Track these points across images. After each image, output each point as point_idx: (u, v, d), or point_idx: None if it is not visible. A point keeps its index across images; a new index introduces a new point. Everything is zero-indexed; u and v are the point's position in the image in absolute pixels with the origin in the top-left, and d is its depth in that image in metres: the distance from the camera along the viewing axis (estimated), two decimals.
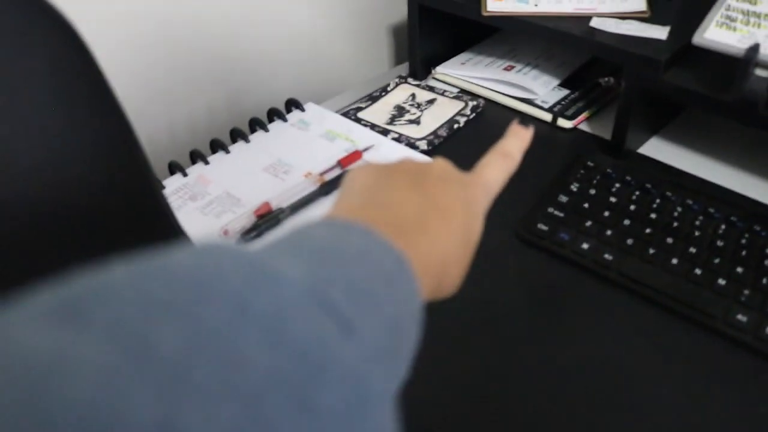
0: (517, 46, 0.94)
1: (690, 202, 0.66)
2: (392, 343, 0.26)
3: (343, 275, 0.25)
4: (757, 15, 0.63)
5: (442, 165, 0.41)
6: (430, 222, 0.34)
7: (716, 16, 0.64)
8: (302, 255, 0.25)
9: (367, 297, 0.25)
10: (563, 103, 0.84)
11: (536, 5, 0.78)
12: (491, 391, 0.52)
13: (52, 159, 0.34)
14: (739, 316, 0.56)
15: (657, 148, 0.78)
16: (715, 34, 0.63)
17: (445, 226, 0.35)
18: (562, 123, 0.81)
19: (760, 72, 0.61)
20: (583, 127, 0.83)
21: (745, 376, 0.53)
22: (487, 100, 0.88)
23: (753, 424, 0.49)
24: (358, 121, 0.84)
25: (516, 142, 0.46)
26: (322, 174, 0.72)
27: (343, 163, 0.73)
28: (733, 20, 0.63)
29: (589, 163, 0.72)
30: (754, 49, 0.60)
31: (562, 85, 0.88)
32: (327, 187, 0.70)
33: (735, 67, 0.61)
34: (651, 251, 0.62)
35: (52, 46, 0.34)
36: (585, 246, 0.63)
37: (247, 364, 0.19)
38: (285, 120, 0.83)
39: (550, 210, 0.67)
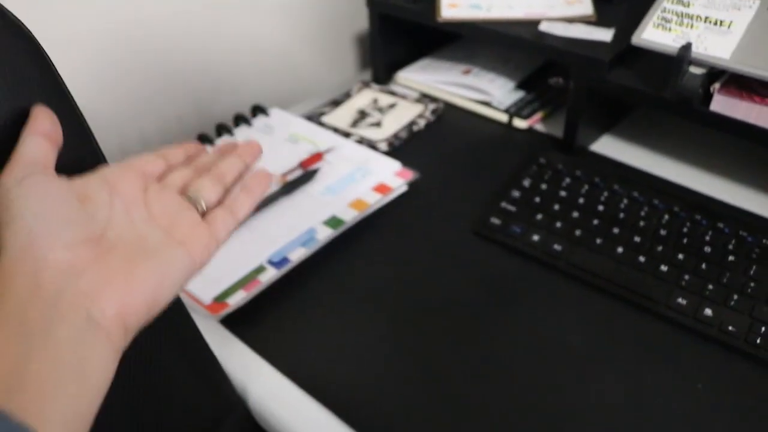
0: (476, 50, 0.98)
1: (636, 194, 0.70)
2: None
3: None
4: (690, 16, 0.66)
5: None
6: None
7: (653, 17, 0.68)
8: None
9: None
10: (519, 104, 0.87)
11: (489, 11, 0.81)
12: (443, 375, 0.55)
13: None
14: (680, 300, 0.59)
15: (608, 146, 0.81)
16: (652, 34, 0.67)
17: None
18: (518, 123, 0.85)
19: (693, 70, 0.65)
20: (539, 126, 0.86)
21: (684, 356, 0.56)
22: (447, 103, 0.91)
23: (692, 399, 0.52)
24: (321, 125, 0.86)
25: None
26: (284, 175, 0.75)
27: (304, 164, 0.76)
28: (668, 21, 0.67)
29: (542, 161, 0.75)
30: (687, 47, 0.63)
31: (519, 87, 0.91)
32: (289, 187, 0.72)
33: (671, 65, 0.65)
34: (598, 241, 0.65)
35: (14, 62, 0.36)
36: (535, 238, 0.66)
37: None
38: (250, 125, 0.85)
39: (503, 205, 0.70)
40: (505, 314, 0.60)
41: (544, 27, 0.78)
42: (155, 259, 0.36)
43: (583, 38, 0.75)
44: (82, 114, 0.42)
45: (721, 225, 0.65)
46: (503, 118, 0.86)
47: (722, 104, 0.65)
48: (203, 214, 0.41)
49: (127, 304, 0.33)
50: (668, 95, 0.66)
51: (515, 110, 0.86)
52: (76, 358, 0.30)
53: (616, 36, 0.75)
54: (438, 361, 0.56)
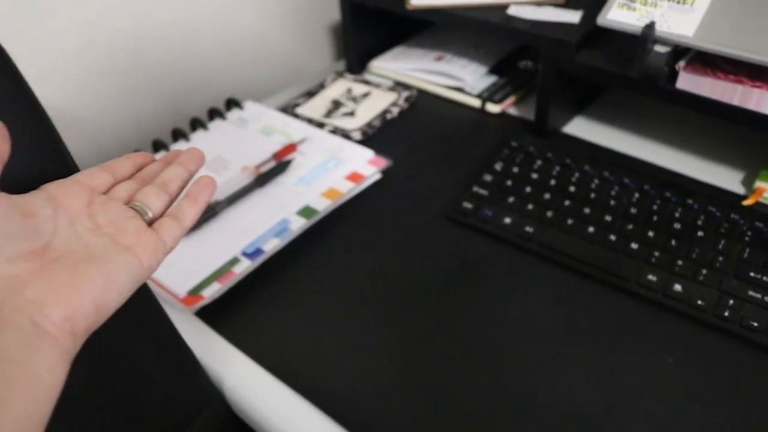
0: (448, 37, 0.98)
1: (607, 174, 0.70)
2: None
3: None
4: None
5: None
6: None
7: None
8: None
9: None
10: (491, 89, 0.87)
11: None
12: (419, 360, 0.56)
13: None
14: (650, 276, 0.60)
15: (581, 127, 0.82)
16: (617, 14, 0.67)
17: None
18: (490, 108, 0.85)
19: (658, 48, 0.65)
20: (513, 110, 0.86)
21: (655, 331, 0.57)
22: (420, 91, 0.91)
23: (662, 373, 0.53)
24: (296, 116, 0.86)
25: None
26: (257, 166, 0.75)
27: (278, 155, 0.76)
28: (633, 1, 0.67)
29: (513, 144, 0.76)
30: (650, 26, 0.64)
31: (492, 72, 0.91)
32: (262, 179, 0.72)
33: (635, 44, 0.65)
34: (569, 222, 0.66)
35: None
36: (507, 221, 0.67)
37: None
38: (224, 118, 0.85)
39: (475, 189, 0.71)
40: (479, 297, 0.61)
41: (512, 11, 0.78)
42: (101, 264, 0.36)
43: (550, 20, 0.75)
44: (53, 126, 0.42)
45: (690, 201, 0.66)
46: (476, 103, 0.86)
47: (687, 82, 0.65)
48: (150, 224, 0.41)
49: (73, 309, 0.34)
50: (634, 74, 0.67)
51: (488, 95, 0.86)
52: (23, 362, 0.31)
53: (584, 18, 0.75)
54: (413, 346, 0.57)
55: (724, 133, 0.78)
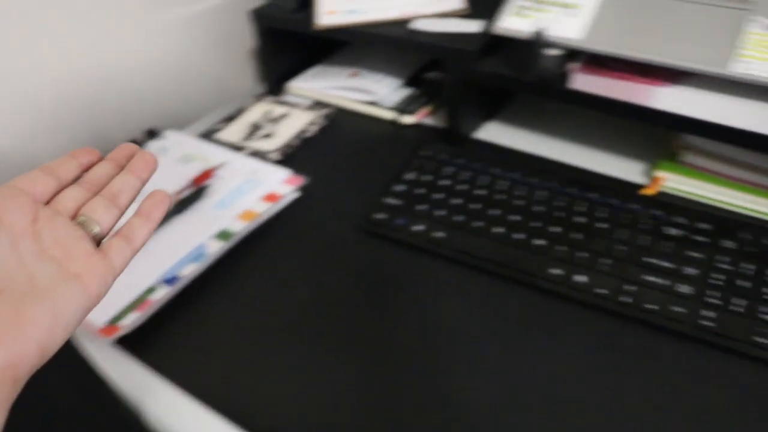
0: (363, 54, 1.00)
1: (515, 176, 0.73)
2: None
3: None
4: (544, 2, 0.70)
5: None
6: None
7: (511, 6, 0.71)
8: None
9: None
10: (407, 101, 0.90)
11: (365, 14, 0.84)
12: (342, 376, 0.57)
13: None
14: (554, 270, 0.62)
15: (492, 132, 0.84)
16: (510, 22, 0.70)
17: None
18: (405, 119, 0.87)
19: (551, 52, 0.68)
20: (429, 121, 0.89)
21: (563, 322, 0.59)
22: (338, 108, 0.93)
23: (572, 362, 0.55)
24: (216, 141, 0.87)
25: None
26: (177, 193, 0.75)
27: (196, 181, 0.77)
28: (525, 8, 0.70)
29: (425, 153, 0.78)
30: (540, 32, 0.66)
31: (409, 84, 0.93)
32: (180, 206, 0.73)
33: (527, 49, 0.68)
34: (478, 224, 0.68)
35: None
36: (418, 228, 0.68)
37: None
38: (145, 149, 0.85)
39: (387, 200, 0.72)
40: (397, 306, 0.62)
41: (416, 24, 0.81)
42: (47, 299, 0.33)
43: (452, 31, 0.78)
44: None
45: (592, 195, 0.68)
46: (391, 115, 0.88)
47: (581, 82, 0.68)
48: (98, 241, 0.39)
49: (17, 355, 0.31)
50: (529, 78, 0.69)
51: (403, 107, 0.88)
52: None
53: (485, 27, 0.78)
54: (336, 362, 0.58)
55: (626, 128, 0.81)
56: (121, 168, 0.44)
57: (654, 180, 0.71)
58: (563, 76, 0.68)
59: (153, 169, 0.44)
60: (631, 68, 0.67)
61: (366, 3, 0.84)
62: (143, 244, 0.41)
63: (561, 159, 0.78)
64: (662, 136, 0.75)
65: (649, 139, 0.78)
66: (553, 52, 0.68)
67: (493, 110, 0.87)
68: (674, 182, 0.71)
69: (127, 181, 0.42)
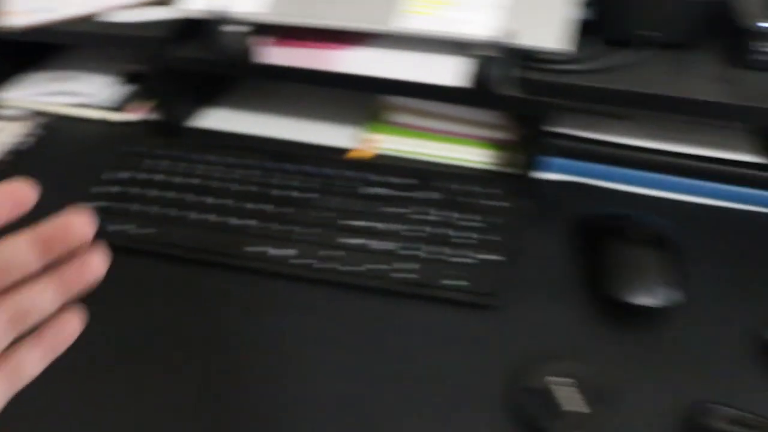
0: (76, 55, 0.93)
1: (231, 160, 0.71)
2: None
3: None
4: None
5: None
6: None
7: None
8: None
9: None
10: (126, 98, 0.85)
11: (52, 12, 0.78)
12: (157, 411, 0.52)
13: None
14: (271, 250, 0.61)
15: (214, 118, 0.82)
16: (193, 3, 0.68)
17: None
18: (123, 117, 0.83)
19: (236, 28, 0.67)
20: (154, 116, 0.84)
21: (294, 303, 0.58)
22: (57, 115, 0.86)
23: (306, 337, 0.55)
24: None
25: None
26: None
27: None
28: None
29: (140, 149, 0.74)
30: (215, 10, 0.65)
31: (132, 81, 0.89)
32: None
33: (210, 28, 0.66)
34: (192, 216, 0.65)
35: None
36: (129, 229, 0.65)
37: None
38: None
39: (97, 204, 0.68)
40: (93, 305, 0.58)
41: (112, 17, 0.76)
42: None
43: (144, 21, 0.74)
44: None
45: (307, 168, 0.68)
46: (109, 115, 0.83)
47: (275, 55, 0.67)
48: None
49: None
50: (216, 56, 0.68)
51: (119, 105, 0.84)
52: None
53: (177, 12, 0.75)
54: (153, 399, 0.53)
55: (339, 97, 0.81)
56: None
57: (364, 142, 0.72)
58: (246, 52, 0.67)
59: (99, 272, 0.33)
60: (319, 36, 0.67)
61: (52, 1, 0.79)
62: (31, 379, 0.32)
63: (280, 136, 0.77)
64: (371, 99, 0.77)
65: (361, 105, 0.79)
66: (231, 28, 0.66)
67: (210, 96, 0.84)
68: (387, 143, 0.73)
69: (48, 298, 0.32)
